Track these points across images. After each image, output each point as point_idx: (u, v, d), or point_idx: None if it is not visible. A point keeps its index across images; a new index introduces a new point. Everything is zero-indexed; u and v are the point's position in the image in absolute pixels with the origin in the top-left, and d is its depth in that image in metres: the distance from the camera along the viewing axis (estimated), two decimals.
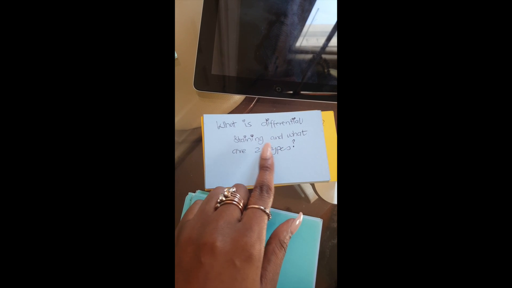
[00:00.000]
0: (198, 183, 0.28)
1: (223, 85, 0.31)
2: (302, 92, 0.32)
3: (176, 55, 0.32)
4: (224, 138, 0.29)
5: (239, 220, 0.20)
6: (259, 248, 0.18)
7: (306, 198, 0.30)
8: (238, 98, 0.32)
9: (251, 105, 0.32)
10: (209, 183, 0.27)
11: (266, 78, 0.32)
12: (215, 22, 0.32)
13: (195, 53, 0.31)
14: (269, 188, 0.23)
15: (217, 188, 0.23)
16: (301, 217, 0.24)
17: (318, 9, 0.34)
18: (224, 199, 0.21)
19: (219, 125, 0.29)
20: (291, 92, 0.31)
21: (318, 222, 0.27)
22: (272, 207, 0.26)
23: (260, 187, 0.23)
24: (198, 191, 0.28)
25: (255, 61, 0.32)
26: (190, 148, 0.30)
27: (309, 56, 0.33)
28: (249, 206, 0.21)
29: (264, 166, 0.26)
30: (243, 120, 0.29)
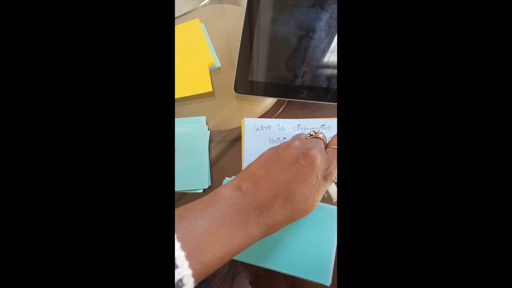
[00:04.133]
0: (234, 171, 0.33)
1: (258, 89, 0.36)
2: (326, 96, 0.36)
3: (219, 64, 0.38)
4: (260, 140, 0.33)
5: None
6: (334, 177, 0.25)
7: (329, 197, 0.33)
8: (270, 102, 0.37)
9: (282, 108, 0.37)
10: None
11: (295, 84, 0.36)
12: (253, 37, 0.38)
13: (234, 63, 0.37)
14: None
15: (299, 134, 0.29)
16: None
17: None
18: (313, 134, 0.28)
19: (256, 128, 0.34)
20: (317, 96, 0.36)
21: (334, 209, 0.30)
22: None
23: (334, 136, 0.29)
24: (233, 177, 0.33)
25: (286, 69, 0.37)
26: (231, 142, 0.36)
27: (334, 65, 0.37)
28: (332, 146, 0.27)
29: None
30: (278, 125, 0.34)
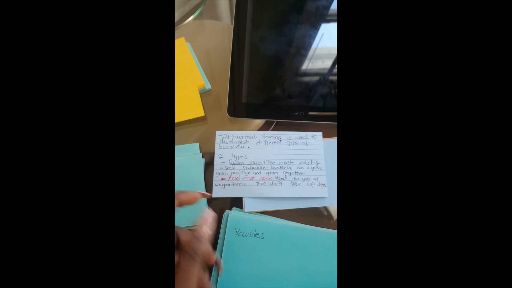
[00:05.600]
0: (234, 202, 0.31)
1: (253, 112, 0.35)
2: (319, 115, 0.35)
3: (210, 86, 0.36)
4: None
5: None
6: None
7: (329, 215, 0.32)
8: (259, 122, 0.36)
9: (271, 127, 0.35)
10: (248, 207, 0.30)
11: (290, 104, 0.35)
12: (243, 57, 0.36)
13: (224, 83, 0.35)
14: None
15: None
16: (207, 215, 0.24)
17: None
18: None
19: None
20: (310, 115, 0.35)
21: (333, 233, 0.29)
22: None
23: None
24: (234, 209, 0.30)
25: (280, 90, 0.36)
26: None
27: (327, 85, 0.36)
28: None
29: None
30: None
